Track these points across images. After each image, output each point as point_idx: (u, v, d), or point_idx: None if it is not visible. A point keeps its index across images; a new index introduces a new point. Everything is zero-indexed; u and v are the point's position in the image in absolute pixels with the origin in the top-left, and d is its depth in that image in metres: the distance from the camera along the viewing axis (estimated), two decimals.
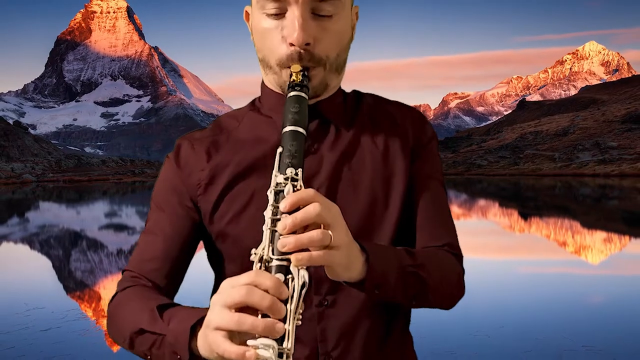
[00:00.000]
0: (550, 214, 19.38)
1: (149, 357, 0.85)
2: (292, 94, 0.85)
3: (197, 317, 0.78)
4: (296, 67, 0.87)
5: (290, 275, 0.71)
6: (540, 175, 72.06)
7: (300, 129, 0.81)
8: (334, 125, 0.99)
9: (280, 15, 0.89)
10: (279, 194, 0.75)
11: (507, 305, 5.94)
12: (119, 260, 10.11)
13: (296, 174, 0.76)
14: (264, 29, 0.91)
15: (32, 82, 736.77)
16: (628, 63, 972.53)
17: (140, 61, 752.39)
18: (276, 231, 0.73)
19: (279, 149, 0.80)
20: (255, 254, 0.73)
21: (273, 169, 0.82)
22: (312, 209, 0.72)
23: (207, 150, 0.98)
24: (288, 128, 0.81)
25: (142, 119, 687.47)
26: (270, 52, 0.92)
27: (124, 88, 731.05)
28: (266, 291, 0.68)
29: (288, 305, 0.70)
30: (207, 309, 0.75)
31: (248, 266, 0.92)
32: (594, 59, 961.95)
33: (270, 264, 0.72)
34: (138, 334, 0.85)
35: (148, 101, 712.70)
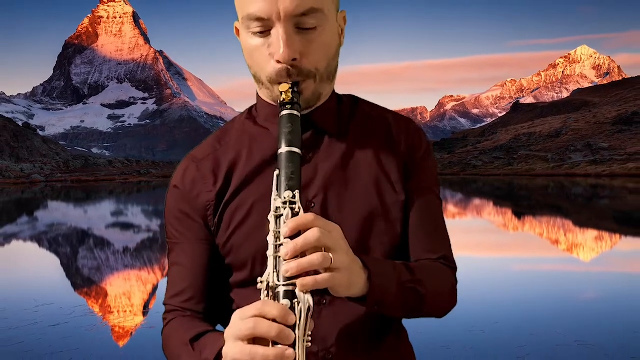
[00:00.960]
0: (543, 213, 19.38)
1: None
2: (283, 113, 0.84)
3: (218, 349, 0.81)
4: (284, 87, 0.87)
5: (296, 300, 0.73)
6: (533, 175, 72.00)
7: (296, 149, 0.81)
8: (327, 134, 0.98)
9: (265, 33, 0.87)
10: (279, 218, 0.77)
11: (501, 301, 5.94)
12: (125, 258, 10.11)
13: (294, 197, 0.77)
14: (252, 47, 0.90)
15: (40, 85, 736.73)
16: (619, 67, 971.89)
17: (145, 65, 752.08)
18: (279, 257, 0.74)
19: (276, 172, 0.80)
20: (261, 282, 0.74)
21: (270, 178, 0.83)
22: (311, 235, 0.73)
23: (213, 171, 0.98)
24: (284, 149, 0.81)
25: (148, 121, 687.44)
26: (260, 70, 0.91)
27: (130, 91, 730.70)
28: (274, 320, 0.70)
29: (296, 330, 0.72)
30: (223, 339, 0.80)
31: (251, 274, 0.94)
32: (585, 63, 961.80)
33: (277, 290, 0.73)
34: None
35: (153, 103, 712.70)
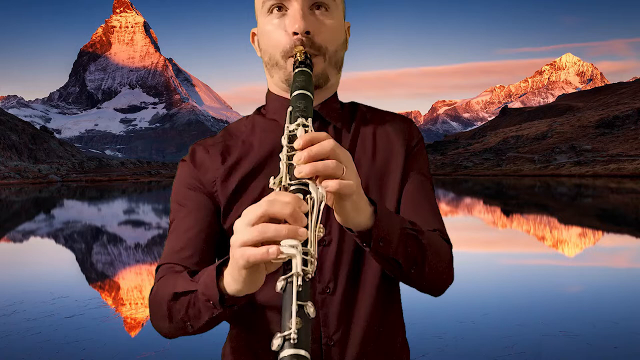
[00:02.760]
0: (530, 210, 19.37)
1: (187, 322, 0.82)
2: (297, 70, 0.85)
3: (222, 259, 0.76)
4: (299, 48, 0.89)
5: (309, 195, 0.67)
6: (521, 175, 71.99)
7: (307, 92, 0.80)
8: (332, 125, 0.99)
9: (282, 12, 0.91)
10: (292, 138, 0.72)
11: (490, 294, 5.95)
12: (136, 253, 10.11)
13: (307, 122, 0.74)
14: (270, 29, 0.93)
15: (57, 90, 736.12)
16: (601, 73, 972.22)
17: (155, 71, 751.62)
18: (292, 164, 0.69)
19: (289, 109, 0.78)
20: (274, 182, 0.69)
21: (279, 165, 0.81)
22: (326, 144, 0.69)
23: (221, 153, 0.98)
24: (296, 92, 0.80)
25: (158, 124, 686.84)
26: (275, 48, 0.93)
27: (141, 96, 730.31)
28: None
29: (308, 217, 0.65)
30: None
31: None
32: (570, 70, 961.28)
33: (289, 189, 0.68)
34: (173, 300, 0.82)
35: (163, 108, 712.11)
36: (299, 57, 0.88)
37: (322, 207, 0.67)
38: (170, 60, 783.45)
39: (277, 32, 0.92)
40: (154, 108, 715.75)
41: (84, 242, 11.88)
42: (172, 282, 0.84)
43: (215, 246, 0.96)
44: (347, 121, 1.02)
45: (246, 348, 0.97)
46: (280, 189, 0.68)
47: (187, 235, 0.94)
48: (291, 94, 0.81)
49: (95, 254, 10.09)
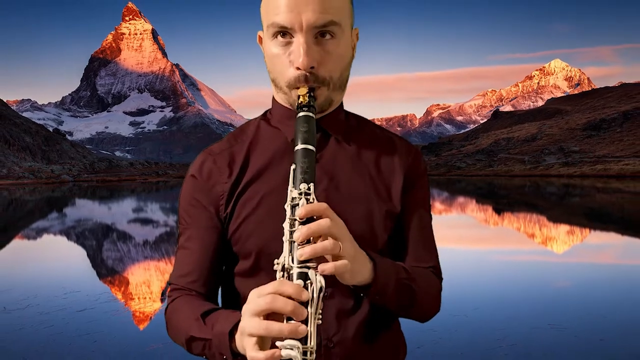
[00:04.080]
0: (520, 209, 19.37)
1: (205, 357, 0.87)
2: (300, 114, 0.84)
3: (233, 323, 0.79)
4: (303, 90, 0.87)
5: (309, 281, 0.72)
6: (511, 176, 71.93)
7: (311, 147, 0.80)
8: (334, 138, 0.98)
9: (287, 41, 0.87)
10: (294, 207, 0.75)
11: (482, 289, 5.95)
12: (145, 250, 10.11)
13: (309, 189, 0.76)
14: (274, 54, 0.90)
15: (69, 94, 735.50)
16: (588, 78, 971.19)
17: (163, 76, 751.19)
18: (294, 242, 0.73)
19: (293, 166, 0.79)
20: (277, 263, 0.74)
21: (279, 174, 0.83)
22: (324, 223, 0.73)
23: (229, 164, 0.96)
24: (300, 146, 0.80)
25: (165, 127, 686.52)
26: (280, 75, 0.90)
27: (149, 100, 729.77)
28: (289, 297, 0.69)
29: (309, 307, 0.70)
30: (238, 315, 0.78)
31: (259, 261, 0.92)
32: (558, 75, 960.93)
33: (291, 272, 0.72)
34: (191, 341, 0.87)
35: (170, 111, 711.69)
36: (302, 100, 0.86)
37: (321, 296, 0.72)
38: (177, 65, 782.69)
39: (281, 60, 0.89)
40: (161, 111, 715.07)
41: (95, 240, 11.89)
42: (186, 317, 0.89)
43: (222, 265, 0.99)
44: (350, 134, 0.99)
45: None
46: (283, 272, 0.73)
47: (193, 260, 0.96)
48: (295, 143, 0.81)
49: (105, 250, 10.09)
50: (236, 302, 0.97)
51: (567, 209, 19.28)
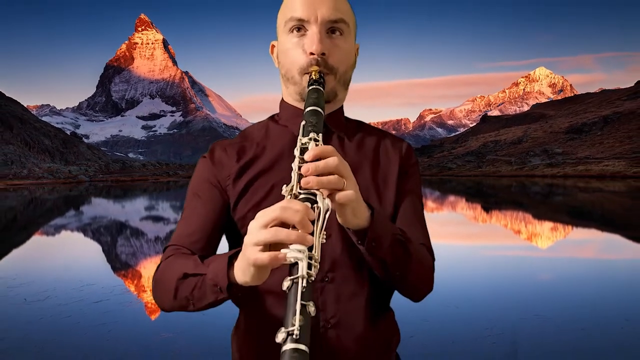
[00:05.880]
0: (507, 207, 19.36)
1: (190, 301, 0.83)
2: (311, 87, 0.87)
3: (234, 251, 0.77)
4: (315, 68, 0.90)
5: (315, 205, 0.69)
6: (499, 176, 71.89)
7: (320, 109, 0.81)
8: (337, 135, 1.00)
9: (301, 33, 0.91)
10: (304, 150, 0.75)
11: (472, 282, 5.94)
12: (156, 245, 10.11)
13: (318, 136, 0.76)
14: (289, 46, 0.93)
15: (85, 100, 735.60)
16: (571, 85, 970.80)
17: (173, 83, 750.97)
18: (302, 175, 0.72)
19: (302, 122, 0.80)
20: (284, 188, 0.71)
21: (287, 168, 0.83)
22: (331, 161, 0.72)
23: (237, 153, 0.99)
24: (309, 108, 0.81)
25: (175, 130, 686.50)
26: (293, 64, 0.93)
27: (160, 105, 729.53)
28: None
29: (315, 224, 0.67)
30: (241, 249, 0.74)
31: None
32: (543, 82, 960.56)
33: (299, 197, 0.70)
34: (182, 279, 0.83)
35: (180, 116, 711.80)
36: (313, 76, 0.89)
37: (327, 216, 0.69)
38: (186, 73, 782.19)
39: (295, 51, 0.92)
40: (172, 116, 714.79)
41: (110, 236, 11.88)
42: (181, 262, 0.86)
43: (220, 235, 0.98)
44: (350, 132, 1.02)
45: (252, 330, 0.97)
46: (291, 197, 0.70)
47: (198, 222, 0.95)
48: (305, 109, 0.82)
49: (119, 246, 10.09)
50: None
51: (551, 207, 19.27)
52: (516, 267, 7.08)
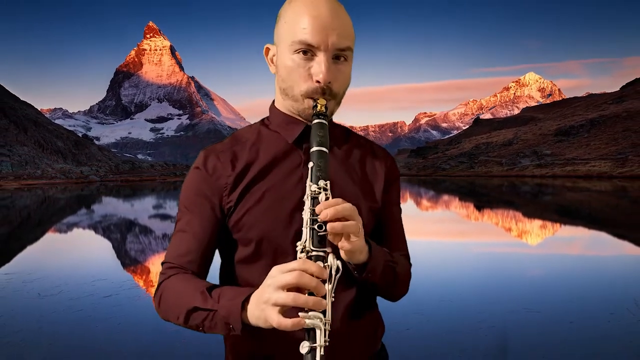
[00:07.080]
0: (498, 206, 19.36)
1: (201, 328, 0.84)
2: (317, 121, 0.86)
3: (245, 295, 0.77)
4: (322, 101, 0.88)
5: (327, 263, 0.73)
6: (490, 176, 71.84)
7: (325, 149, 0.82)
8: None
9: (307, 56, 0.88)
10: (314, 199, 0.77)
11: (465, 277, 5.95)
12: (163, 242, 10.11)
13: (326, 185, 0.79)
14: (293, 66, 0.89)
15: (96, 104, 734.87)
16: (559, 89, 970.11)
17: (180, 87, 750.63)
18: (314, 229, 0.74)
19: (310, 164, 0.82)
20: (298, 245, 0.75)
21: (280, 173, 0.86)
22: (348, 207, 0.77)
23: (231, 161, 0.96)
24: (316, 148, 0.82)
25: (182, 133, 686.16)
26: (296, 84, 0.90)
27: (168, 108, 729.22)
28: (312, 275, 0.70)
29: (327, 285, 0.71)
30: (249, 289, 0.78)
31: (259, 249, 0.92)
32: (532, 86, 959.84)
33: (311, 254, 0.73)
34: (192, 312, 0.83)
35: (186, 119, 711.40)
36: (320, 109, 0.88)
37: (337, 277, 0.73)
38: (192, 78, 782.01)
39: (300, 72, 0.89)
40: (178, 119, 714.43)
41: (119, 233, 11.88)
42: (187, 290, 0.85)
43: (214, 251, 0.97)
44: (337, 141, 1.01)
45: (245, 333, 0.97)
46: (304, 254, 0.74)
47: (194, 241, 0.93)
48: (311, 146, 0.83)
49: (129, 242, 10.09)
50: (235, 286, 0.96)
51: (540, 206, 19.27)
52: (507, 263, 7.08)
